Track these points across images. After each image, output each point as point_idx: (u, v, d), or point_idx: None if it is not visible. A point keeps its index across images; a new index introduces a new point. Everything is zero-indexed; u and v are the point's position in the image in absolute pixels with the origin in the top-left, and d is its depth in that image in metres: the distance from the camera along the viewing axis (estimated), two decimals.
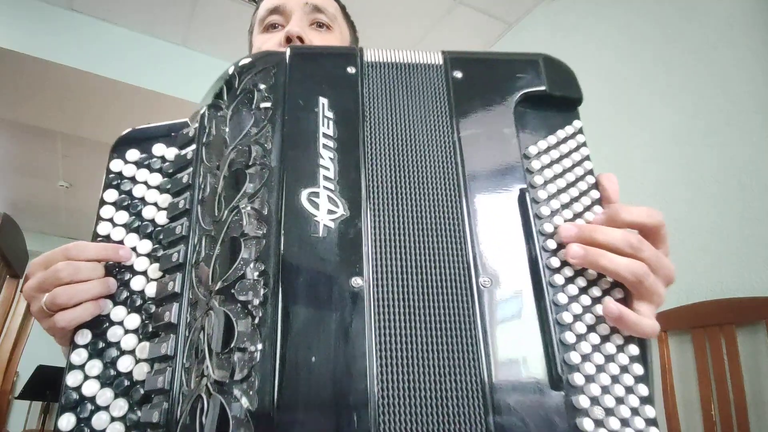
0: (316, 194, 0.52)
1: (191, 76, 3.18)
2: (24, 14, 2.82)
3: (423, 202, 0.54)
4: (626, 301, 0.53)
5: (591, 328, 0.52)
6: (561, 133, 0.61)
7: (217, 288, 0.50)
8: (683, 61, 2.01)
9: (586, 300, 0.53)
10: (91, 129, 3.36)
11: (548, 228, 0.55)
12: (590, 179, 0.59)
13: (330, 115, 0.56)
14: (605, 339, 0.52)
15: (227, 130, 0.59)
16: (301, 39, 0.94)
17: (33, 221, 5.86)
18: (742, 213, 1.70)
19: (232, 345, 0.47)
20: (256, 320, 0.48)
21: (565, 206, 0.57)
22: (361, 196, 0.53)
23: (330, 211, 0.52)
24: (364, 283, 0.49)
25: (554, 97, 0.63)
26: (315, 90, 0.58)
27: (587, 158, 0.60)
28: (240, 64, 0.62)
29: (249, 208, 0.52)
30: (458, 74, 0.61)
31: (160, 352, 0.54)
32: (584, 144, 0.61)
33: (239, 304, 0.49)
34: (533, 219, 0.54)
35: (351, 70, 0.59)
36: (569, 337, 0.51)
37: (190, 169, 0.62)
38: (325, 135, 0.55)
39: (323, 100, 0.57)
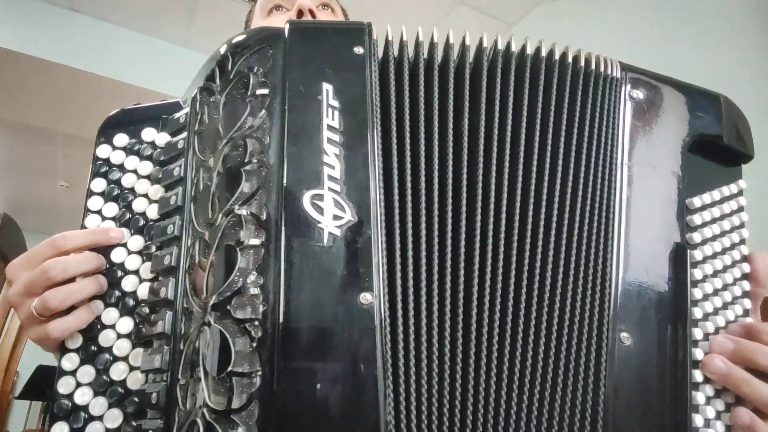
0: (320, 197, 0.47)
1: (191, 76, 3.13)
2: (24, 14, 2.82)
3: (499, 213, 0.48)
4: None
5: None
6: (725, 191, 0.56)
7: (212, 302, 0.46)
8: (683, 62, 1.95)
9: (719, 405, 0.49)
10: (91, 129, 3.33)
11: (701, 310, 0.50)
12: (744, 249, 0.55)
13: (335, 103, 0.50)
14: None
15: (220, 119, 0.53)
16: (312, 14, 0.88)
17: (33, 221, 5.79)
18: None
19: (230, 368, 0.43)
20: (255, 341, 0.43)
21: (715, 274, 0.51)
22: (370, 198, 0.47)
23: (336, 217, 0.46)
24: (374, 299, 0.44)
25: (722, 146, 0.57)
26: (318, 74, 0.51)
27: (743, 225, 0.55)
28: (233, 42, 0.55)
29: (246, 212, 0.47)
30: (638, 94, 0.55)
31: (154, 364, 0.50)
32: (743, 208, 0.56)
33: (236, 322, 0.44)
34: (689, 284, 0.48)
35: (359, 50, 0.52)
36: None
37: (182, 161, 0.56)
38: (330, 127, 0.49)
39: (327, 87, 0.50)
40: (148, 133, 0.63)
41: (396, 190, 0.48)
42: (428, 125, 0.50)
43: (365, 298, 0.44)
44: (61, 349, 0.57)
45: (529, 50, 0.54)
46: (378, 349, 0.43)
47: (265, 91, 0.51)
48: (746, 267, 0.54)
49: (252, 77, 0.52)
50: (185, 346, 0.49)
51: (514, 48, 0.54)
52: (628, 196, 0.50)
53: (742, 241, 0.55)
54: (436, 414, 0.43)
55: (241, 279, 0.45)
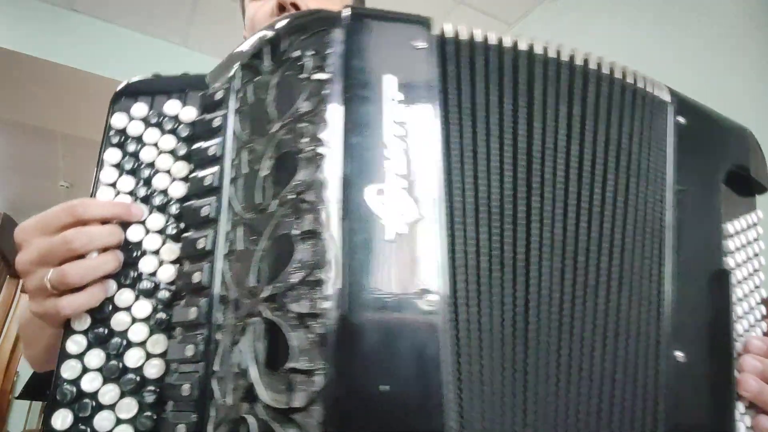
0: (382, 191, 0.45)
1: None
2: (24, 14, 2.82)
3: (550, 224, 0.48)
4: None
5: None
6: (749, 219, 0.58)
7: (266, 293, 0.43)
8: (683, 63, 1.99)
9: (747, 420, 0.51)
10: (91, 129, 3.29)
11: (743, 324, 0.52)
12: (761, 276, 0.58)
13: (398, 96, 0.48)
14: None
15: (271, 100, 0.50)
16: (295, 6, 0.84)
17: None
18: None
19: (288, 365, 0.41)
20: (317, 337, 0.41)
21: (744, 297, 0.53)
22: (433, 196, 0.46)
23: (398, 213, 0.45)
24: (438, 301, 0.43)
25: (743, 178, 0.59)
26: (379, 65, 0.49)
27: (760, 254, 0.58)
28: (286, 22, 0.52)
29: (304, 201, 0.45)
30: (682, 120, 0.56)
31: (185, 354, 0.47)
32: (760, 237, 0.59)
33: (296, 316, 0.42)
34: (731, 305, 0.49)
35: (420, 44, 0.51)
36: None
37: (218, 140, 0.53)
38: (393, 121, 0.48)
39: (389, 78, 0.49)
40: (171, 106, 0.60)
41: (457, 190, 0.47)
42: (488, 128, 0.50)
43: (429, 299, 0.43)
44: (65, 329, 0.53)
45: (578, 61, 0.54)
46: (442, 353, 0.42)
47: (324, 76, 0.49)
48: (763, 292, 0.57)
49: (308, 60, 0.50)
50: (224, 336, 0.46)
51: (564, 58, 0.54)
52: (678, 219, 0.51)
53: (759, 269, 0.58)
54: (499, 422, 0.43)
55: (299, 271, 0.43)
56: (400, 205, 0.45)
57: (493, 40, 0.52)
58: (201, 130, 0.55)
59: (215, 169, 0.52)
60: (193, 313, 0.48)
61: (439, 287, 0.44)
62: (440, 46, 0.51)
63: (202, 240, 0.50)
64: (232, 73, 0.55)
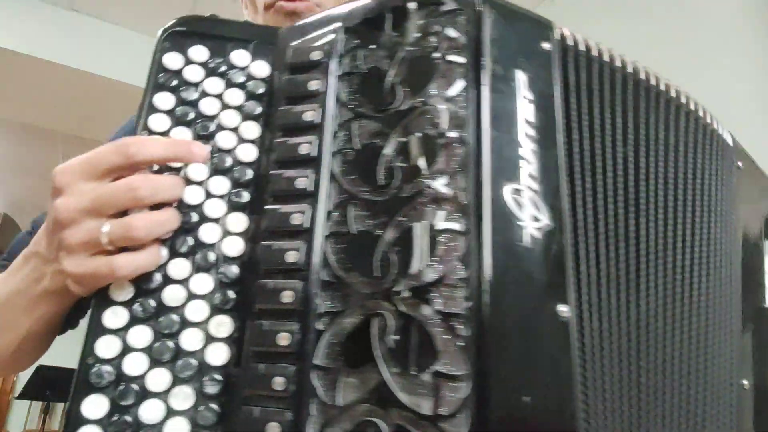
0: (519, 192, 0.43)
1: None
2: (24, 14, 2.83)
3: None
4: None
5: None
6: None
7: (400, 288, 0.39)
8: (683, 63, 1.96)
9: None
10: (91, 129, 3.32)
11: None
12: None
13: (529, 96, 0.47)
14: None
15: (396, 75, 0.46)
16: None
17: None
18: None
19: (435, 367, 0.37)
20: (463, 341, 0.38)
21: None
22: (562, 205, 0.45)
23: (534, 218, 0.43)
24: (570, 312, 0.42)
25: None
26: (512, 59, 0.47)
27: None
28: None
29: (446, 190, 0.42)
30: (741, 165, 0.61)
31: (277, 342, 0.42)
32: None
33: (441, 315, 0.39)
34: None
35: (546, 45, 0.50)
36: None
37: (315, 105, 0.48)
38: (526, 120, 0.46)
39: (522, 76, 0.47)
40: (240, 57, 0.53)
41: (580, 202, 0.47)
42: (603, 145, 0.50)
43: (563, 310, 0.42)
44: (99, 300, 0.44)
45: (672, 93, 0.56)
46: (574, 366, 0.41)
47: (461, 59, 0.46)
48: None
49: (442, 40, 0.46)
50: (330, 326, 0.41)
51: (662, 88, 0.56)
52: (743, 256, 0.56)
53: None
54: None
55: (442, 266, 0.40)
56: (534, 209, 0.43)
57: (606, 56, 0.52)
58: (290, 92, 0.49)
59: (312, 137, 0.46)
60: (287, 297, 0.42)
61: (571, 299, 0.43)
62: (563, 51, 0.50)
63: (298, 216, 0.44)
64: (332, 34, 0.49)
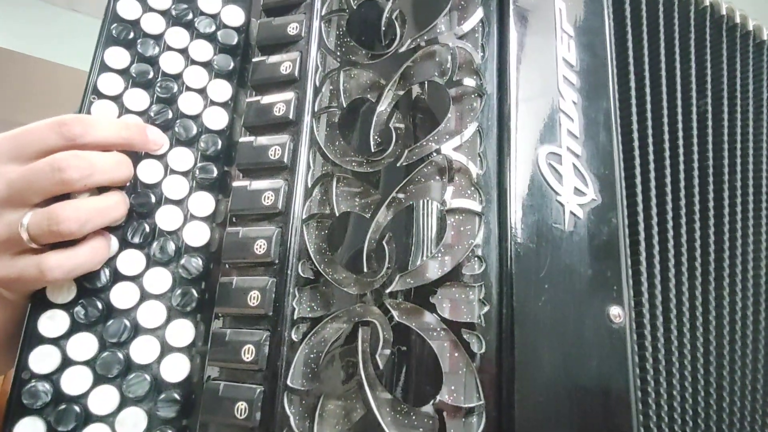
0: (558, 158, 0.33)
1: None
2: (24, 14, 2.77)
3: None
4: None
5: None
6: None
7: (395, 287, 0.30)
8: None
9: None
10: None
11: None
12: None
13: (569, 30, 0.35)
14: None
15: (392, 8, 0.35)
16: None
17: None
18: None
19: (437, 397, 0.28)
20: (475, 359, 0.28)
21: None
22: (615, 173, 0.34)
23: (577, 191, 0.32)
24: (625, 315, 0.32)
25: None
26: None
27: None
28: None
29: (457, 157, 0.31)
30: None
31: (240, 357, 0.33)
32: None
33: (443, 325, 0.29)
34: None
35: None
36: None
37: (294, 54, 0.38)
38: (566, 62, 0.35)
39: (560, 3, 0.36)
40: (210, 1, 0.43)
41: (639, 170, 0.35)
42: (670, 90, 0.38)
43: (616, 313, 0.31)
44: (36, 302, 0.36)
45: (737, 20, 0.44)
46: (631, 384, 0.31)
47: None
48: None
49: None
50: (306, 337, 0.32)
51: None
52: None
53: None
54: None
55: (450, 258, 0.30)
56: (577, 179, 0.33)
57: None
58: (264, 39, 0.39)
59: (289, 95, 0.37)
60: (253, 298, 0.33)
61: (626, 299, 0.32)
62: None
63: (270, 194, 0.35)
64: None
